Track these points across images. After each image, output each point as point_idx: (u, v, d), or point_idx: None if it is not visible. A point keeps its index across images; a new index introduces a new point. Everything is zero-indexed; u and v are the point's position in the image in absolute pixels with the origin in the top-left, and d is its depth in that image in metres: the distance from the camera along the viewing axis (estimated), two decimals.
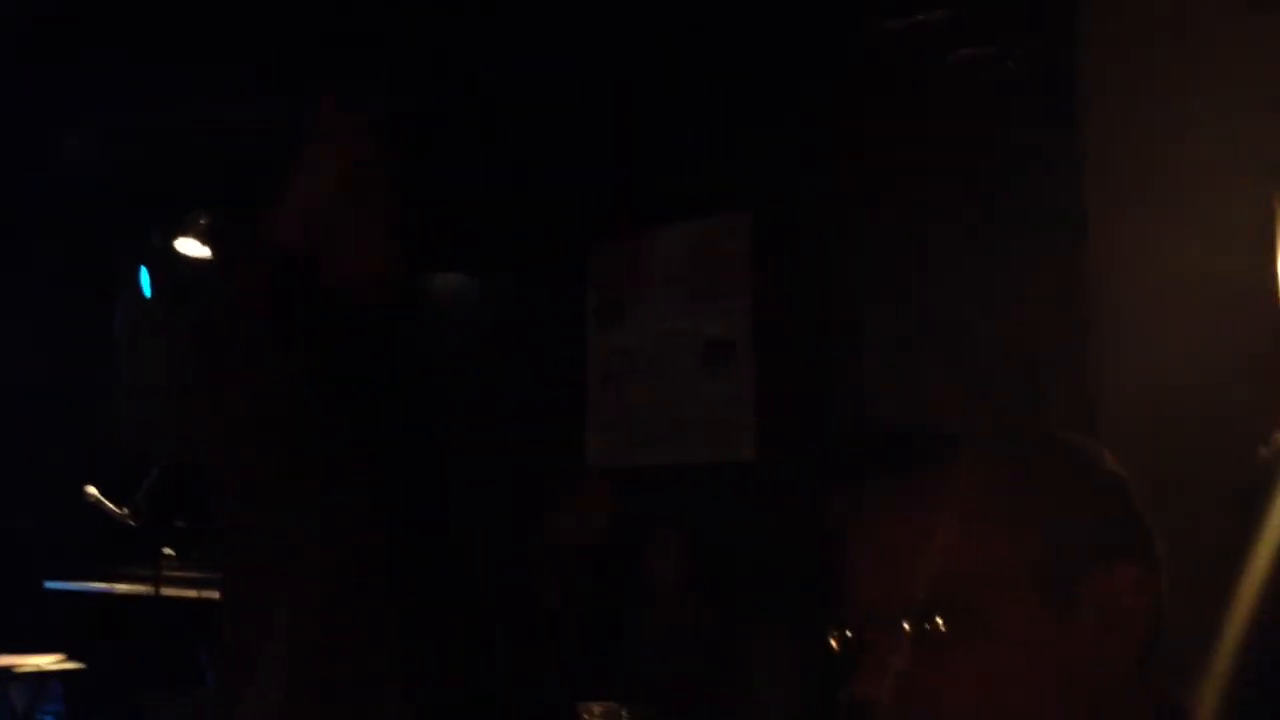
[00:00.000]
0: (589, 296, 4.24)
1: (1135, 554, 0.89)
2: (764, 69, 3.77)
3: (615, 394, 4.15)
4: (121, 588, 4.83)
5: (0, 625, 4.49)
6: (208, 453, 1.81)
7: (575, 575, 1.99)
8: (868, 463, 0.96)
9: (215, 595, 1.96)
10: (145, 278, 4.67)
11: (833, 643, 0.91)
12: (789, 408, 3.74)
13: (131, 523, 4.21)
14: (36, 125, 4.72)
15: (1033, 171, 3.14)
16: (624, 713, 2.40)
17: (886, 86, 3.52)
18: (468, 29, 3.79)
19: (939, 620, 0.85)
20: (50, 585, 5.02)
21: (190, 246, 4.51)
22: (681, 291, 4.05)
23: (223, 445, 1.77)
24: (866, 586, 0.91)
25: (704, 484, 3.83)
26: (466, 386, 2.10)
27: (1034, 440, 0.96)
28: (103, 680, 4.56)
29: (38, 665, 4.42)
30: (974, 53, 3.38)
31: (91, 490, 4.22)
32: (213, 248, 4.39)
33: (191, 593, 4.38)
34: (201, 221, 4.43)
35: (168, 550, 4.54)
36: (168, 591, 4.37)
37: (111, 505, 4.22)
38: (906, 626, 0.86)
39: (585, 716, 2.39)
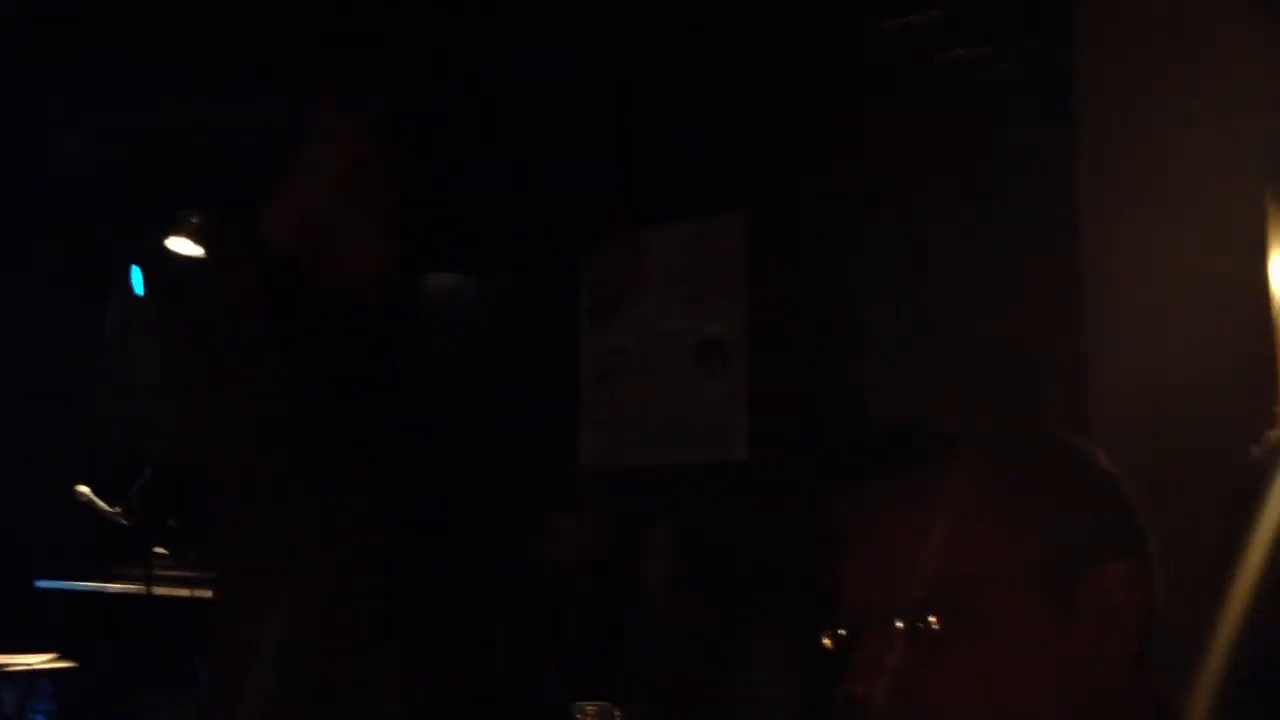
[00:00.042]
0: (583, 296, 4.24)
1: (1130, 553, 0.89)
2: (760, 69, 3.77)
3: (610, 394, 4.15)
4: (114, 587, 4.82)
5: None
6: (201, 452, 1.80)
7: (572, 577, 2.00)
8: (864, 462, 0.96)
9: (208, 594, 1.95)
10: (138, 277, 4.66)
11: (827, 642, 0.91)
12: (783, 408, 3.74)
13: (124, 522, 4.20)
14: (32, 125, 4.71)
15: (1029, 171, 3.15)
16: (618, 712, 2.39)
17: (882, 87, 3.52)
18: (465, 29, 3.79)
19: (933, 619, 0.85)
20: (42, 584, 5.01)
21: (183, 245, 4.50)
22: (676, 291, 4.05)
23: (216, 445, 1.76)
24: (861, 586, 0.91)
25: (699, 484, 3.83)
26: (462, 386, 2.10)
27: (1029, 440, 0.96)
28: (95, 680, 4.55)
29: (29, 665, 4.41)
30: (968, 53, 3.38)
31: (83, 489, 4.21)
32: (208, 247, 4.39)
33: (184, 592, 4.37)
34: (194, 220, 4.43)
35: (160, 549, 4.53)
36: (160, 591, 4.36)
37: (104, 504, 4.21)
38: (900, 625, 0.86)
39: (579, 716, 2.38)
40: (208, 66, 4.01)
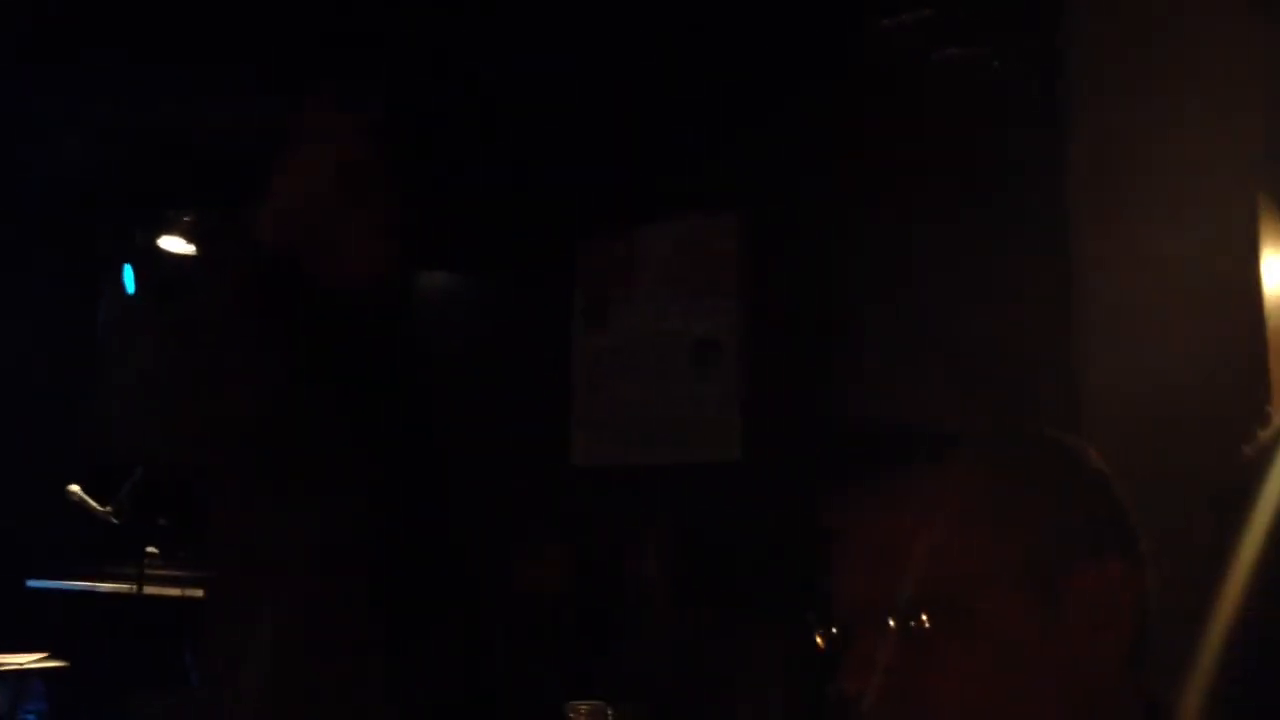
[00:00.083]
0: (577, 296, 4.24)
1: (1121, 551, 0.89)
2: (753, 69, 3.77)
3: (602, 393, 4.15)
4: (105, 586, 4.81)
5: None
6: (192, 451, 1.80)
7: (544, 606, 2.00)
8: (857, 462, 0.96)
9: (200, 594, 1.95)
10: (129, 275, 4.65)
11: (821, 641, 0.91)
12: (777, 408, 3.74)
13: (115, 521, 4.19)
14: (25, 124, 4.70)
15: (1023, 171, 3.15)
16: (610, 712, 2.39)
17: (876, 86, 3.53)
18: (458, 29, 3.79)
19: (925, 618, 0.85)
20: (33, 584, 5.00)
21: (175, 244, 4.50)
22: (670, 291, 4.05)
23: (205, 444, 1.76)
24: (855, 585, 0.91)
25: (692, 483, 3.83)
26: (454, 385, 2.09)
27: (1022, 439, 0.96)
28: (87, 679, 4.54)
29: (20, 664, 4.40)
30: (961, 52, 3.38)
31: (75, 489, 4.21)
32: (199, 246, 4.38)
33: (175, 591, 4.37)
34: (186, 219, 4.42)
35: (151, 549, 4.53)
36: (151, 590, 4.36)
37: (95, 504, 4.20)
38: (893, 624, 0.86)
39: (572, 715, 2.38)
40: (205, 66, 4.01)
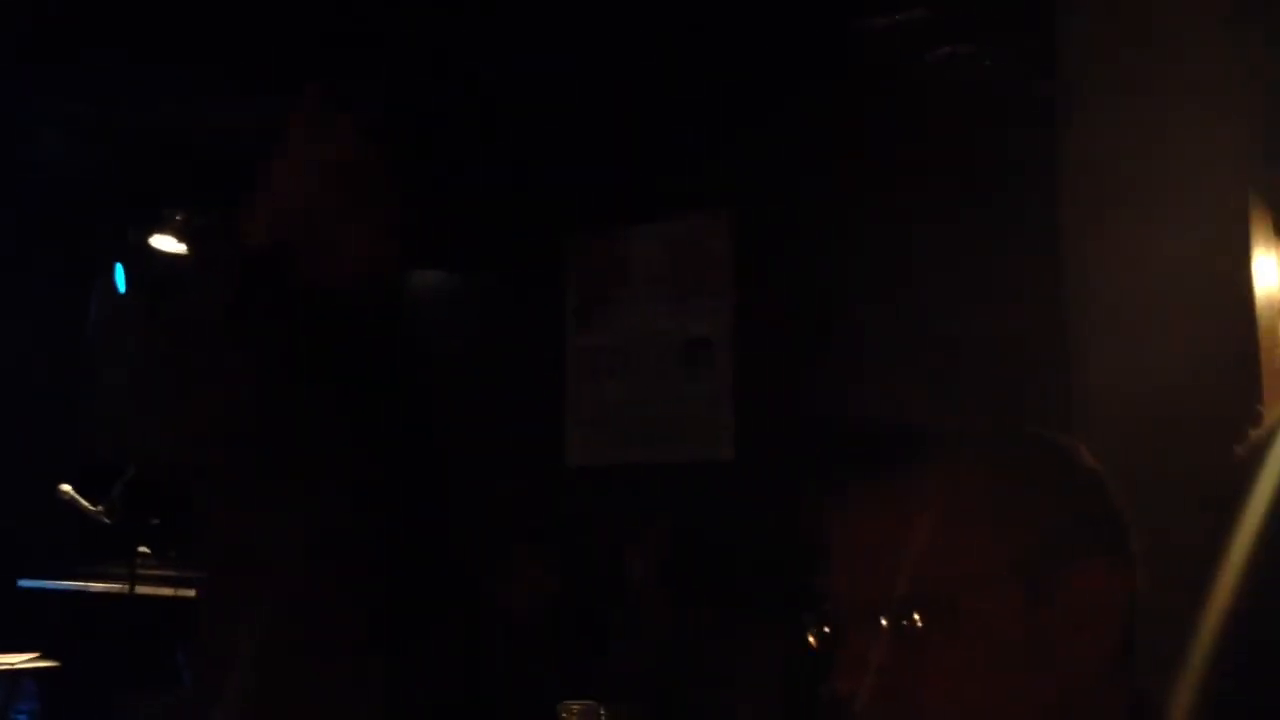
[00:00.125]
0: (569, 296, 4.24)
1: (1113, 551, 0.89)
2: (746, 69, 3.77)
3: (596, 393, 4.15)
4: (97, 586, 4.80)
5: None
6: (181, 451, 1.79)
7: (526, 620, 1.99)
8: (849, 461, 0.96)
9: (191, 593, 1.95)
10: (120, 274, 4.64)
11: (812, 639, 0.91)
12: (769, 407, 3.74)
13: (106, 521, 4.18)
14: (19, 123, 4.69)
15: (1015, 171, 3.15)
16: (603, 711, 2.39)
17: (870, 86, 3.53)
18: (455, 29, 3.78)
19: (917, 616, 0.85)
20: (25, 584, 4.98)
21: (166, 243, 4.49)
22: (661, 291, 4.05)
23: (194, 444, 1.75)
24: (847, 583, 0.91)
25: (684, 483, 3.84)
26: (448, 385, 2.09)
27: (1014, 438, 0.96)
28: (78, 679, 4.53)
29: (12, 664, 4.39)
30: (953, 52, 3.38)
31: (66, 488, 4.20)
32: (190, 245, 4.37)
33: (167, 591, 4.36)
34: (178, 218, 4.41)
35: (143, 548, 4.52)
36: (143, 590, 4.35)
37: (86, 503, 4.19)
38: (885, 623, 0.86)
39: (564, 715, 2.38)
40: (202, 66, 4.00)
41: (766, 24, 3.66)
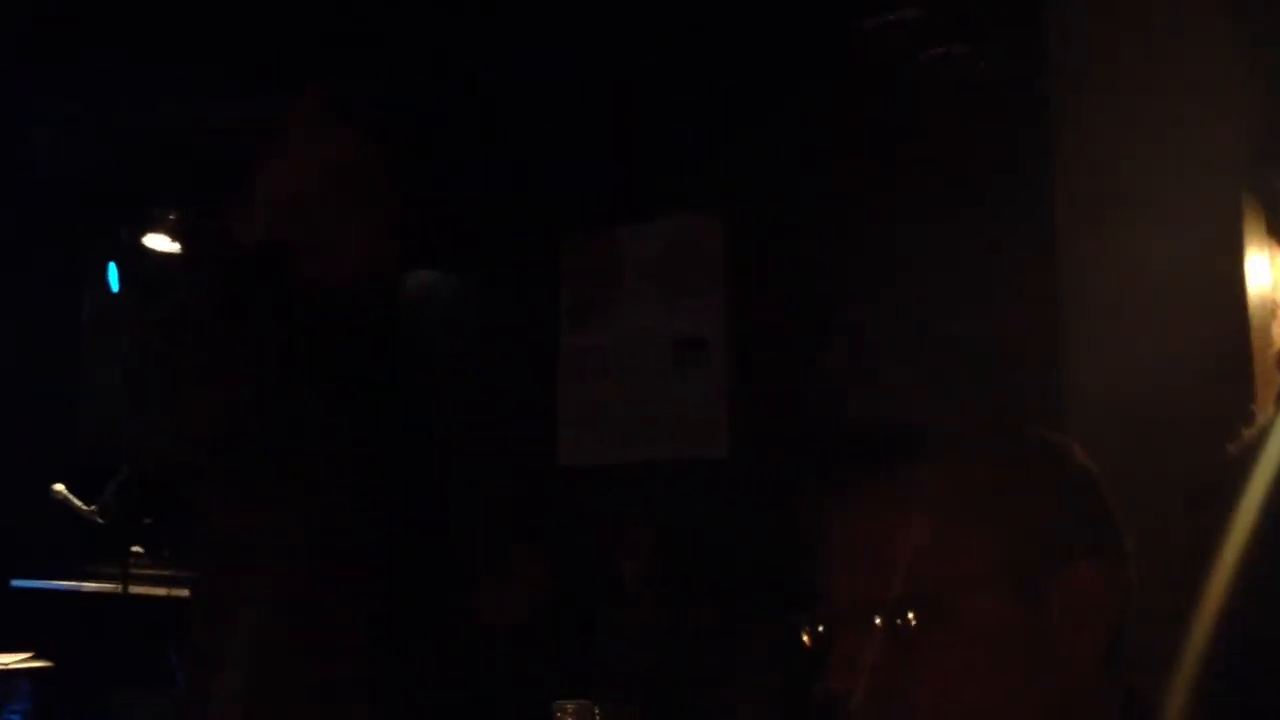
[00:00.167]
0: (562, 295, 4.24)
1: (1104, 551, 0.89)
2: (740, 69, 3.77)
3: (588, 392, 4.15)
4: (90, 586, 4.80)
5: None
6: (176, 451, 1.79)
7: (510, 636, 1.98)
8: (842, 460, 0.96)
9: (185, 593, 1.94)
10: (113, 273, 4.63)
11: (806, 639, 0.91)
12: (762, 406, 3.74)
13: (100, 520, 4.18)
14: (12, 123, 4.68)
15: (1009, 171, 3.16)
16: (597, 710, 2.39)
17: (863, 86, 3.53)
18: (442, 28, 3.78)
19: (910, 616, 0.85)
20: (18, 583, 4.98)
21: (159, 242, 4.48)
22: (653, 290, 4.05)
23: (191, 443, 1.75)
24: (840, 583, 0.91)
25: (677, 482, 3.83)
26: (441, 384, 2.09)
27: (1006, 437, 0.96)
28: (71, 679, 4.53)
29: (5, 664, 4.38)
30: (947, 52, 3.39)
31: (59, 488, 4.19)
32: (183, 244, 4.37)
33: (161, 591, 4.35)
34: (171, 217, 4.41)
35: (136, 548, 4.51)
36: (136, 589, 4.34)
37: (80, 503, 4.19)
38: (878, 622, 0.86)
39: (558, 714, 2.38)
40: (199, 65, 4.00)
41: (760, 24, 3.66)
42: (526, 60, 3.88)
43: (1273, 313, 2.75)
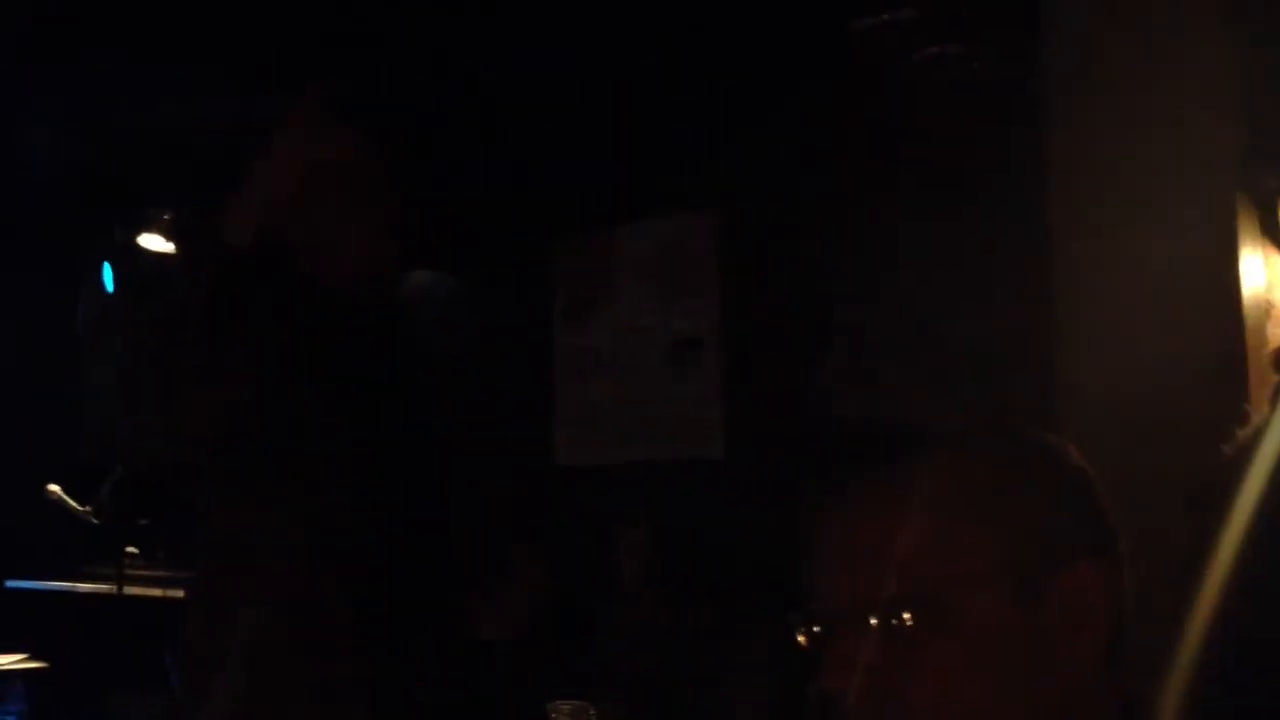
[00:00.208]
0: (557, 295, 4.24)
1: (1101, 551, 0.89)
2: (735, 70, 3.77)
3: (583, 392, 4.15)
4: (85, 586, 4.79)
5: None
6: (171, 451, 1.79)
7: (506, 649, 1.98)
8: (837, 460, 0.96)
9: (180, 594, 1.94)
10: (108, 273, 4.62)
11: (802, 639, 0.91)
12: (757, 406, 3.74)
13: (95, 521, 4.17)
14: (7, 122, 4.67)
15: (1003, 171, 3.16)
16: (593, 711, 2.39)
17: (857, 86, 3.53)
18: (442, 27, 3.78)
19: (906, 616, 0.85)
20: (13, 584, 4.97)
21: (154, 242, 4.47)
22: (649, 290, 4.05)
23: (186, 444, 1.74)
24: (835, 583, 0.91)
25: (673, 481, 3.84)
26: (438, 384, 2.09)
27: (1002, 437, 0.96)
28: (66, 680, 4.52)
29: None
30: (940, 52, 3.39)
31: (54, 488, 4.18)
32: (178, 244, 4.36)
33: (156, 591, 4.35)
34: (166, 217, 4.40)
35: (131, 549, 4.50)
36: (131, 590, 4.34)
37: (74, 503, 4.18)
38: (874, 622, 0.86)
39: (554, 715, 2.38)
40: (198, 65, 3.99)
41: (755, 24, 3.66)
42: (524, 60, 3.88)
43: (1267, 313, 2.75)
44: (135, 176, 4.63)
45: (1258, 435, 1.69)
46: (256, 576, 1.70)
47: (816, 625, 0.91)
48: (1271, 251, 2.82)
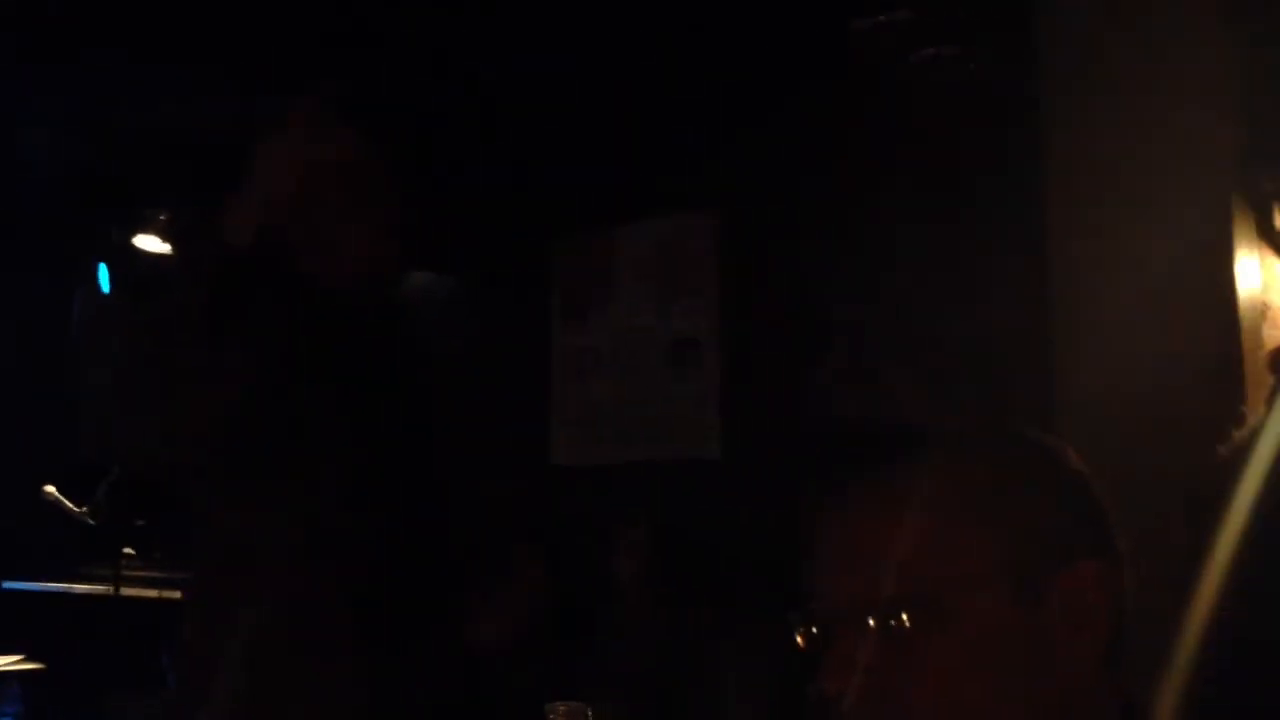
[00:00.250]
0: (555, 295, 4.24)
1: (1100, 552, 0.89)
2: (733, 71, 3.77)
3: (581, 392, 4.15)
4: (82, 588, 4.78)
5: None
6: (167, 452, 1.79)
7: (503, 658, 1.98)
8: (836, 461, 0.96)
9: (176, 595, 1.94)
10: (104, 274, 4.62)
11: (800, 640, 0.92)
12: (755, 407, 3.74)
13: (91, 522, 4.17)
14: (9, 123, 4.67)
15: (1000, 172, 3.16)
16: (590, 712, 2.39)
17: (855, 87, 3.54)
18: (442, 27, 3.78)
19: (905, 617, 0.85)
20: (9, 585, 4.96)
21: (150, 243, 4.47)
22: (647, 290, 4.05)
23: (182, 445, 1.74)
24: (834, 583, 0.91)
25: (671, 482, 3.84)
26: (436, 384, 2.09)
27: (1000, 438, 0.96)
28: (63, 681, 4.51)
29: None
30: (937, 53, 3.39)
31: (51, 489, 4.18)
32: (174, 244, 4.36)
33: (152, 592, 4.35)
34: (162, 218, 4.40)
35: (128, 550, 4.50)
36: (128, 591, 4.34)
37: (71, 504, 4.17)
38: (873, 623, 0.86)
39: (551, 716, 2.38)
40: (202, 66, 3.99)
41: (753, 25, 3.67)
42: (524, 60, 3.88)
43: (1263, 315, 2.76)
44: (134, 177, 4.62)
45: (1254, 436, 1.69)
46: (256, 576, 1.70)
47: (816, 625, 0.91)
48: (1268, 253, 2.82)
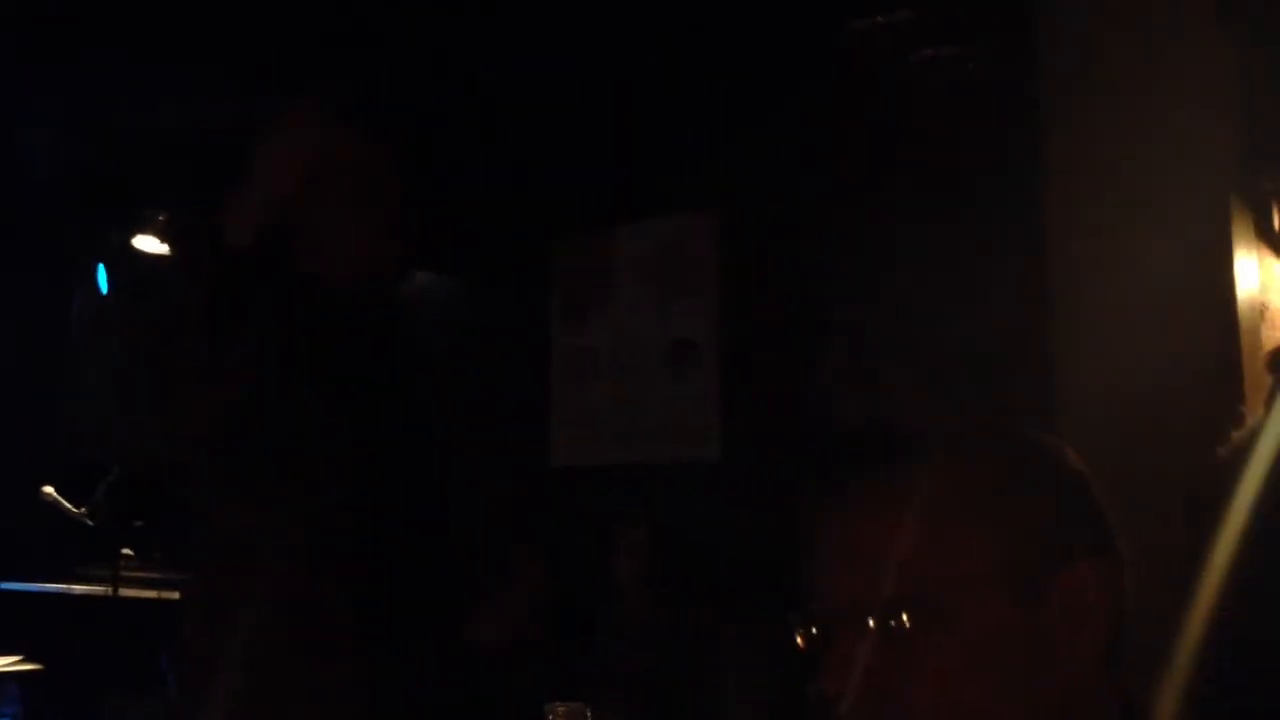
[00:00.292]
0: (554, 296, 4.24)
1: (1100, 552, 0.89)
2: (731, 72, 3.77)
3: (581, 393, 4.15)
4: (80, 588, 4.78)
5: None
6: (166, 453, 1.79)
7: (505, 662, 1.98)
8: (835, 462, 0.96)
9: (175, 596, 1.93)
10: (103, 275, 4.62)
11: (799, 640, 0.92)
12: (755, 409, 3.74)
13: (90, 523, 4.17)
14: (7, 123, 4.67)
15: (999, 173, 3.16)
16: (589, 713, 2.39)
17: (854, 88, 3.54)
18: (442, 27, 3.78)
19: (905, 617, 0.85)
20: (7, 586, 4.96)
21: (149, 243, 4.47)
22: (647, 291, 4.05)
23: (181, 445, 1.74)
24: (834, 584, 0.91)
25: (671, 483, 3.84)
26: (436, 384, 2.09)
27: (1000, 438, 0.96)
28: (61, 682, 4.51)
29: None
30: (936, 54, 3.39)
31: (49, 490, 4.18)
32: (173, 245, 4.36)
33: (151, 593, 4.34)
34: (161, 218, 4.40)
35: (126, 550, 4.50)
36: (127, 592, 4.33)
37: (69, 505, 4.17)
38: (873, 623, 0.86)
39: (550, 717, 2.37)
40: (202, 66, 3.99)
41: (752, 26, 3.67)
42: (524, 60, 3.88)
43: (1262, 315, 2.76)
44: (134, 177, 4.62)
45: (1253, 436, 1.69)
46: (255, 576, 1.70)
47: (816, 625, 0.91)
48: (1266, 254, 2.82)
